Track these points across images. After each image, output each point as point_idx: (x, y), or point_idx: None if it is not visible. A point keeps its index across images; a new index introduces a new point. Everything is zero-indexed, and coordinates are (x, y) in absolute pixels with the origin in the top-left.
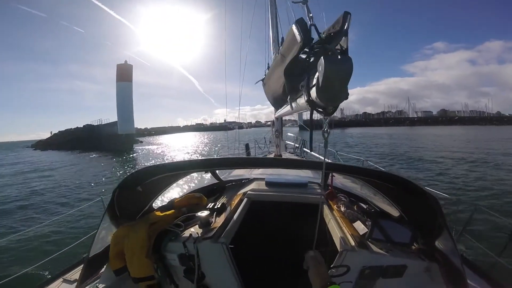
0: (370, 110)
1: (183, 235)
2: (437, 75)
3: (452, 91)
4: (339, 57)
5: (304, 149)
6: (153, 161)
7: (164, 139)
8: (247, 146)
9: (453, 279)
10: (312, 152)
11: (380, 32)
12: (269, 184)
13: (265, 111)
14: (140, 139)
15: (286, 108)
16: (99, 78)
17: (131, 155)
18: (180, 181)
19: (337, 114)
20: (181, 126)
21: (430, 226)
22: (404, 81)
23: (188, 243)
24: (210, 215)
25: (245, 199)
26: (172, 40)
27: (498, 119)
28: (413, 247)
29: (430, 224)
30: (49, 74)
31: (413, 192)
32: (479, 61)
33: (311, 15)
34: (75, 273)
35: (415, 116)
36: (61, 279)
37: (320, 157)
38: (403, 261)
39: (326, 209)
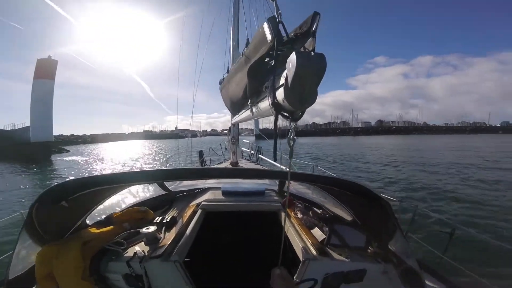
0: (318, 120)
1: (126, 254)
2: (376, 88)
3: (387, 103)
4: (312, 53)
5: (260, 156)
6: (67, 175)
7: (102, 147)
8: (200, 153)
9: (409, 279)
10: (269, 160)
11: (331, 45)
12: (225, 193)
13: (222, 119)
14: (69, 147)
15: (245, 113)
16: (31, 76)
17: (48, 168)
18: (120, 193)
19: (287, 124)
20: (127, 133)
21: (383, 229)
22: (347, 93)
23: (132, 262)
24: (158, 230)
25: (200, 211)
26: (124, 43)
27: (428, 129)
28: (369, 251)
29: (383, 227)
30: None
31: (368, 196)
32: (411, 75)
33: (280, 12)
34: None
35: (358, 126)
36: None
37: (277, 164)
38: (362, 265)
39: (283, 217)
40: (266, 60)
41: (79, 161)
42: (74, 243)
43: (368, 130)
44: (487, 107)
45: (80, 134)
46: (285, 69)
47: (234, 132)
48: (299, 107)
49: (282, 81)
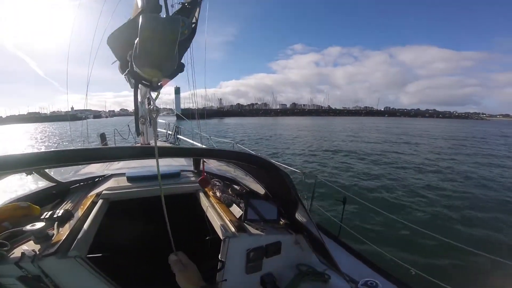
0: (243, 101)
1: (13, 255)
2: (292, 74)
3: (300, 87)
4: (163, 16)
5: (179, 136)
6: None
7: None
8: (102, 136)
9: (317, 247)
10: (186, 139)
11: (258, 28)
12: (131, 179)
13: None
14: None
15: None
16: None
17: None
18: None
19: (214, 104)
20: (4, 116)
21: (288, 200)
22: (268, 77)
23: (23, 263)
24: (49, 226)
25: (100, 201)
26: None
27: (333, 111)
28: (281, 223)
29: (287, 198)
30: None
31: (268, 168)
32: (321, 63)
33: None
34: None
35: (277, 108)
36: None
37: (195, 143)
38: (277, 237)
39: (202, 197)
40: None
41: None
42: None
43: (286, 111)
44: (375, 94)
45: None
46: None
47: (143, 110)
48: (154, 74)
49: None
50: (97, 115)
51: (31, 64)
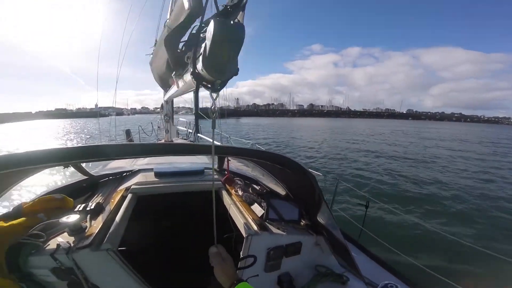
0: (258, 101)
1: (49, 247)
2: (309, 74)
3: (316, 88)
4: (231, 22)
5: (199, 134)
6: None
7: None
8: (127, 132)
9: (338, 250)
10: (205, 137)
11: (274, 29)
12: (159, 175)
13: (155, 97)
14: None
15: (174, 88)
16: None
17: None
18: (29, 179)
19: (231, 104)
20: (34, 112)
21: (311, 202)
22: (285, 77)
23: (58, 255)
24: (82, 219)
25: (130, 195)
26: (34, 12)
27: (353, 113)
28: (302, 223)
29: (311, 199)
30: None
31: (295, 170)
32: (340, 64)
33: None
34: None
35: (294, 109)
36: None
37: (216, 142)
38: (298, 238)
39: (225, 195)
40: (182, 29)
41: None
42: None
43: (304, 112)
44: (396, 96)
45: None
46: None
47: (168, 109)
48: (218, 76)
49: (202, 50)
50: (119, 112)
51: (57, 61)
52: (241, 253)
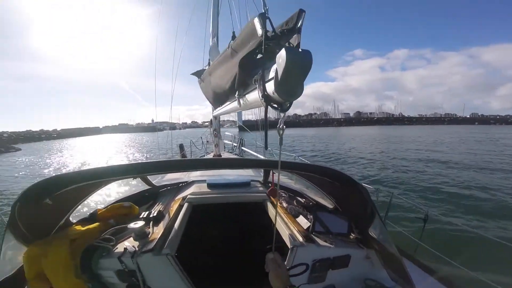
0: (299, 112)
1: (117, 250)
2: (353, 80)
3: (363, 94)
4: (300, 50)
5: (243, 148)
6: None
7: (68, 144)
8: (181, 146)
9: (391, 264)
10: (249, 150)
11: (310, 38)
12: (211, 186)
13: (203, 111)
14: (25, 145)
15: (231, 105)
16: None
17: None
18: (103, 189)
19: (272, 115)
20: (101, 127)
21: (362, 215)
22: (326, 85)
23: (124, 258)
24: (146, 225)
25: (186, 204)
26: (98, 34)
27: (408, 120)
28: (351, 237)
29: (363, 213)
30: None
31: (346, 183)
32: (386, 67)
33: (267, 8)
34: None
35: (339, 117)
36: None
37: (259, 155)
38: (347, 251)
39: (270, 206)
40: (254, 54)
41: (19, 162)
42: (62, 241)
43: (351, 121)
44: (455, 99)
45: (51, 129)
46: (273, 63)
47: (216, 124)
48: (288, 99)
49: (272, 74)
50: (172, 127)
51: (119, 79)
52: (285, 262)
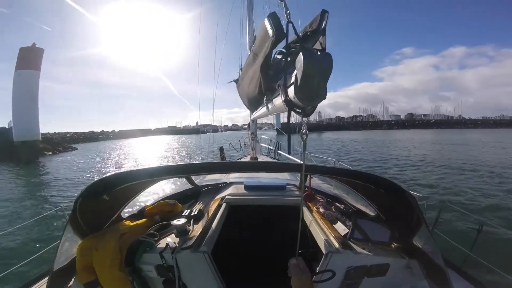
0: (342, 114)
1: (159, 245)
2: (403, 80)
3: (415, 96)
4: (318, 53)
5: (279, 151)
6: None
7: (122, 143)
8: (221, 149)
9: (434, 276)
10: (287, 155)
11: (354, 37)
12: (248, 187)
13: (242, 114)
14: (82, 145)
15: (262, 110)
16: (64, 77)
17: (26, 170)
18: (151, 187)
19: (312, 118)
20: (153, 129)
21: (408, 224)
22: (373, 86)
23: (165, 253)
24: (187, 222)
25: (224, 204)
26: (144, 40)
27: (472, 123)
28: (393, 246)
29: (408, 222)
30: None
31: (392, 191)
32: (442, 67)
33: (288, 12)
34: (40, 287)
35: (389, 120)
36: None
37: (296, 159)
38: (385, 259)
39: (305, 211)
40: (278, 57)
41: (76, 162)
42: (112, 236)
43: (404, 123)
44: None
45: (110, 130)
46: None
47: (253, 128)
48: (309, 103)
49: (292, 79)
50: (215, 129)
51: (169, 85)
52: (317, 269)
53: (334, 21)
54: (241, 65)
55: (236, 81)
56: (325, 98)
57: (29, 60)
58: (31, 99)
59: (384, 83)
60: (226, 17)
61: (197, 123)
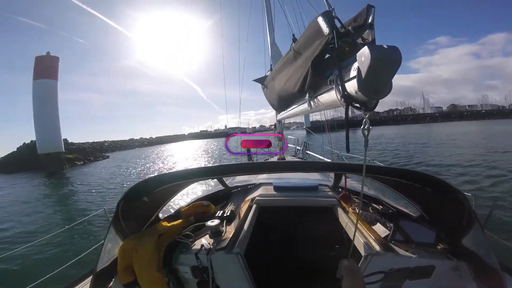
0: (376, 108)
1: (194, 247)
2: (441, 70)
3: (456, 86)
4: (385, 46)
5: (307, 152)
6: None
7: (155, 150)
8: (248, 150)
9: (487, 277)
10: (314, 154)
11: (380, 27)
12: (277, 188)
13: (269, 115)
14: (114, 153)
15: (298, 108)
16: (104, 88)
17: (54, 181)
18: (185, 189)
19: (343, 114)
20: (186, 134)
21: (457, 225)
22: (407, 78)
23: (200, 254)
24: (220, 224)
25: (255, 206)
26: (173, 48)
27: None
28: (439, 247)
29: (457, 222)
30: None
31: (441, 189)
32: (482, 54)
33: (333, 7)
34: (83, 287)
35: (432, 112)
36: None
37: (324, 158)
38: (431, 261)
39: (340, 212)
40: (322, 53)
41: (102, 171)
42: (150, 237)
43: (450, 115)
44: None
45: (148, 137)
46: (348, 61)
47: (280, 128)
48: (375, 97)
49: (352, 73)
50: (243, 131)
51: (198, 90)
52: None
53: (357, 10)
54: (271, 66)
55: (261, 81)
56: (390, 92)
57: (45, 69)
58: (51, 109)
59: (420, 75)
60: (246, 21)
61: (225, 126)
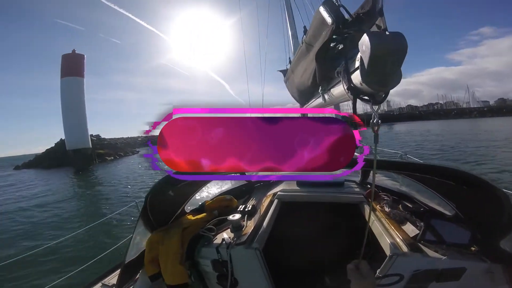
0: (413, 102)
1: (216, 240)
2: (488, 63)
3: (504, 79)
4: (387, 33)
5: None
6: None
7: None
8: None
9: None
10: None
11: (416, 18)
12: (300, 183)
13: None
14: (142, 149)
15: (317, 101)
16: (139, 86)
17: (82, 177)
18: (209, 183)
19: (381, 107)
20: None
21: (495, 225)
22: (448, 70)
23: (221, 248)
24: (242, 218)
25: (276, 201)
26: (201, 47)
27: None
28: (472, 249)
29: (496, 222)
30: (93, 84)
31: (478, 187)
32: None
33: None
34: (113, 278)
35: (477, 106)
36: (100, 284)
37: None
38: (462, 263)
39: (367, 210)
40: (331, 44)
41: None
42: (176, 230)
43: (500, 109)
44: None
45: None
46: (357, 51)
47: None
48: (381, 88)
49: (356, 64)
50: None
51: (226, 86)
52: (377, 271)
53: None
54: (289, 58)
55: (284, 73)
56: (398, 83)
57: (71, 66)
58: (77, 106)
59: (464, 67)
60: (266, 15)
61: None
